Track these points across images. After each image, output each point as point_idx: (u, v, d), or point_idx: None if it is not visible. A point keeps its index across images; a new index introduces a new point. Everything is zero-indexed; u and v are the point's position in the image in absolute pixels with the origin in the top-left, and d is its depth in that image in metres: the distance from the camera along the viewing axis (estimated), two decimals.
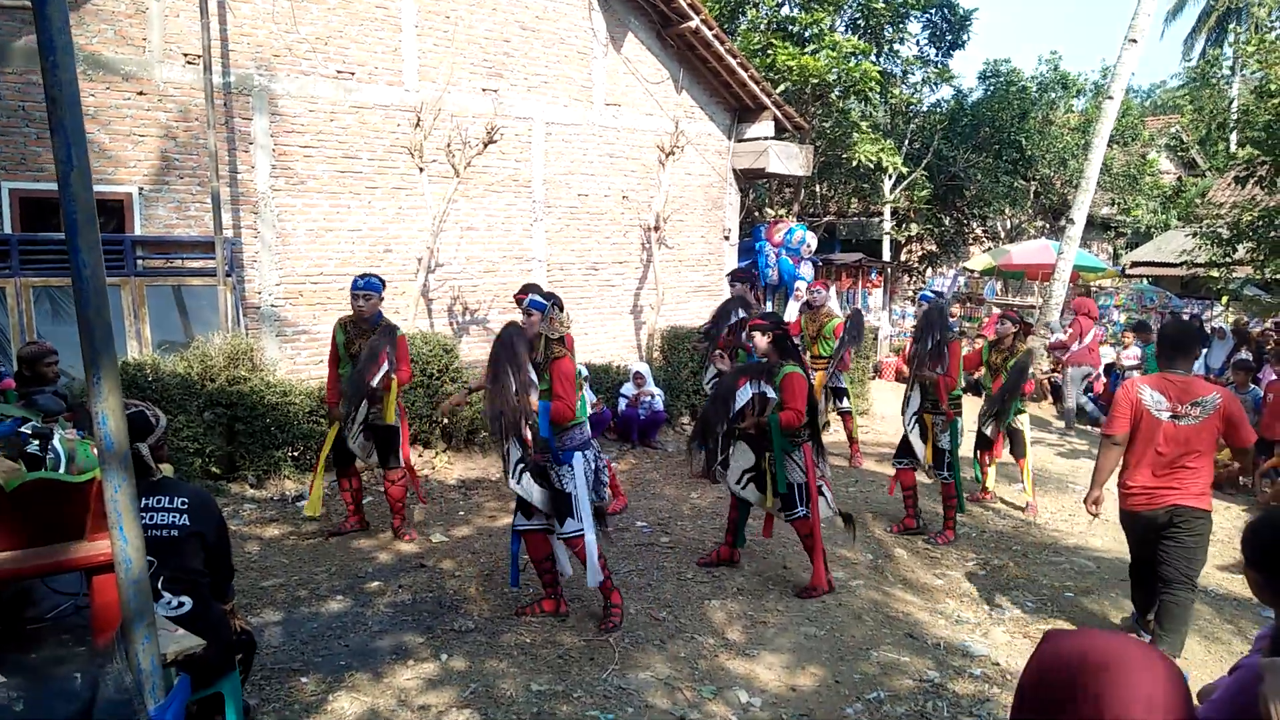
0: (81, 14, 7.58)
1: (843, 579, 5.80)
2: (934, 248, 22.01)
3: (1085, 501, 4.94)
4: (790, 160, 12.77)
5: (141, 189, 8.02)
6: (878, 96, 17.21)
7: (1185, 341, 4.67)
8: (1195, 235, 14.10)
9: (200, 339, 7.64)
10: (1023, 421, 7.71)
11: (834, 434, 9.94)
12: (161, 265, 8.08)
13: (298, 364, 8.87)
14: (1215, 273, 14.90)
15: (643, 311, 11.94)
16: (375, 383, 5.82)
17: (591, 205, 11.36)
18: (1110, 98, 12.37)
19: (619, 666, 4.42)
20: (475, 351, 9.90)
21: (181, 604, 3.04)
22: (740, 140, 12.81)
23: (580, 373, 8.72)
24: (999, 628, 5.19)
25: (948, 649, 4.84)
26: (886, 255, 19.40)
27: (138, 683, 2.02)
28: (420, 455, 8.30)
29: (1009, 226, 22.50)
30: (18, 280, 7.20)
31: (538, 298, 4.93)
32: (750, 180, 13.93)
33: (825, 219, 19.90)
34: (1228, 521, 7.42)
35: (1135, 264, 20.56)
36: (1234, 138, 22.62)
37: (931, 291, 7.40)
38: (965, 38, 18.05)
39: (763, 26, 16.18)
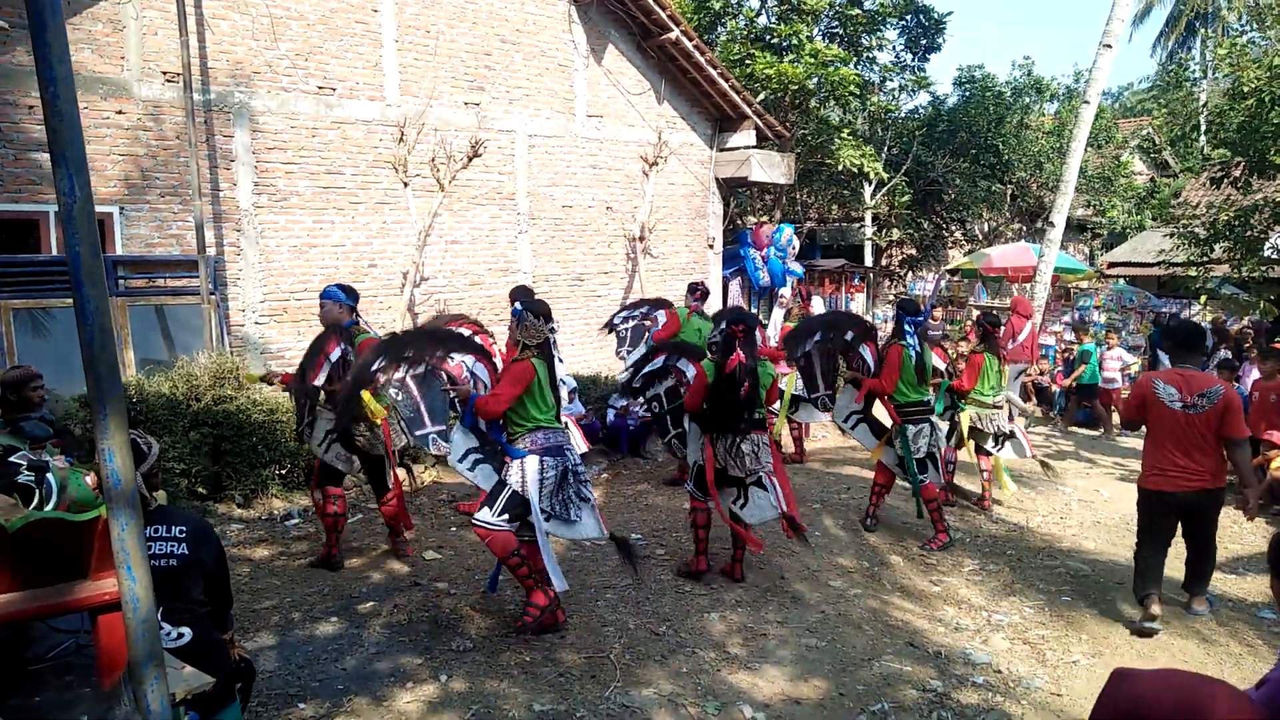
0: None
1: (840, 588, 5.79)
2: (914, 252, 22.14)
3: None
4: (772, 169, 12.82)
5: (122, 208, 7.92)
6: (857, 103, 17.31)
7: (1193, 340, 5.38)
8: (1172, 235, 14.25)
9: (185, 359, 7.55)
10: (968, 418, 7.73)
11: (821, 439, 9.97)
12: (144, 285, 8.00)
13: None
14: (1193, 272, 15.06)
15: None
16: (319, 383, 5.67)
17: (576, 217, 11.34)
18: (1087, 102, 12.49)
19: (621, 684, 4.39)
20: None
21: (181, 635, 2.99)
22: (722, 149, 12.85)
23: (567, 383, 8.73)
24: (998, 634, 5.20)
25: (949, 657, 4.85)
26: (868, 260, 19.49)
27: None
28: (408, 470, 8.23)
29: (987, 229, 22.67)
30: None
31: (517, 305, 5.05)
32: (733, 188, 13.96)
33: (806, 225, 19.97)
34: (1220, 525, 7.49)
35: (1112, 265, 20.76)
36: (1203, 139, 22.94)
37: (905, 298, 7.50)
38: (940, 41, 18.21)
39: (741, 37, 16.24)
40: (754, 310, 14.24)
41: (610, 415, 9.56)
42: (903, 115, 20.37)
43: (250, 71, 8.54)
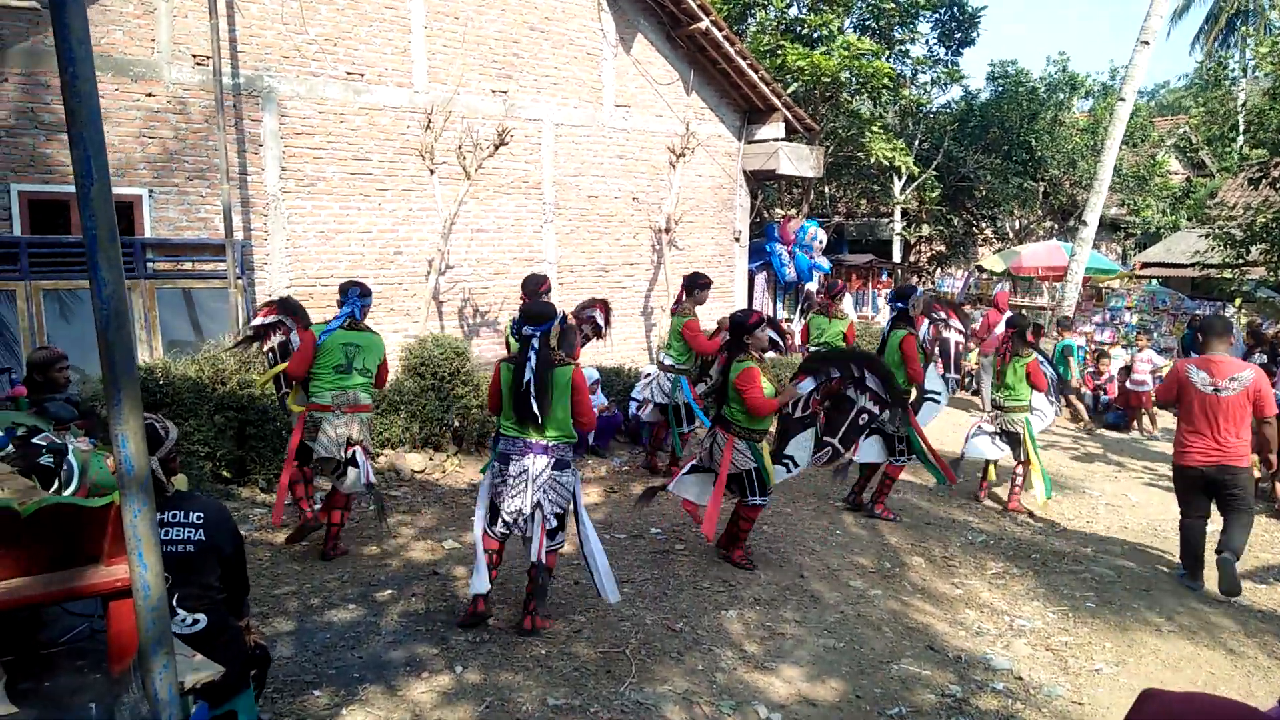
0: (91, 13, 7.53)
1: (860, 588, 5.73)
2: (943, 248, 21.92)
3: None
4: (801, 162, 12.70)
5: (151, 191, 7.97)
6: (889, 96, 17.13)
7: (1221, 330, 5.92)
8: (1208, 236, 14.00)
9: (211, 342, 7.59)
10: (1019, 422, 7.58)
11: None
12: (171, 268, 8.04)
13: None
14: (1228, 274, 14.79)
15: (654, 313, 11.88)
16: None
17: (602, 207, 11.30)
18: (1123, 99, 12.29)
19: (636, 680, 4.35)
20: (486, 354, 9.84)
21: (196, 621, 2.99)
22: (750, 141, 12.74)
23: (592, 376, 8.70)
24: (1020, 640, 5.12)
25: (969, 662, 4.77)
26: (896, 256, 19.31)
27: (154, 713, 1.96)
28: (431, 458, 8.25)
29: (1018, 227, 22.40)
30: (28, 283, 7.15)
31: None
32: (760, 181, 13.87)
33: (834, 219, 19.83)
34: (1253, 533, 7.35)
35: (1146, 265, 20.44)
36: (1243, 139, 22.52)
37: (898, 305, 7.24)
38: (975, 35, 17.98)
39: (772, 28, 16.10)
40: (779, 305, 14.16)
41: (633, 408, 9.51)
42: (934, 110, 20.14)
43: (279, 56, 8.55)
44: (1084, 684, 4.63)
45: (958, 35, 17.98)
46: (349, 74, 9.02)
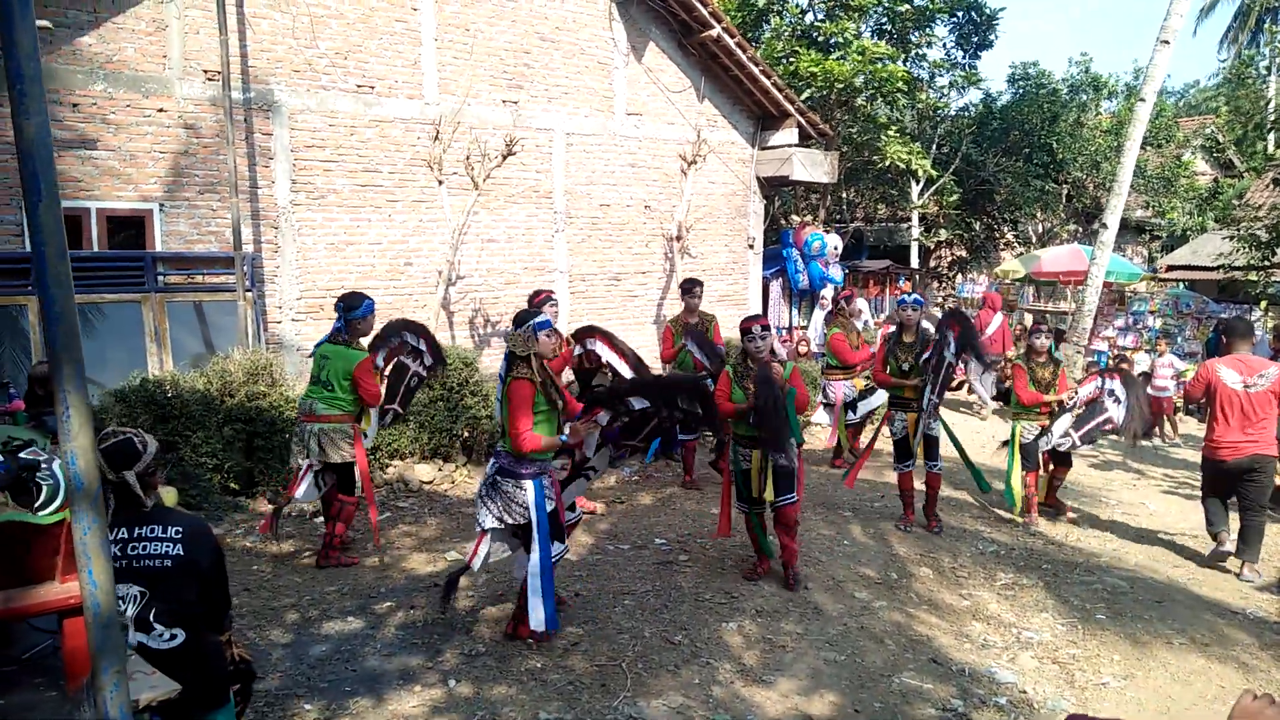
0: (103, 31, 7.64)
1: (864, 599, 5.65)
2: (964, 253, 21.71)
3: None
4: (815, 167, 12.64)
5: (162, 205, 8.05)
6: (905, 100, 17.01)
7: (1245, 331, 6.54)
8: (1233, 238, 13.76)
9: (220, 355, 7.65)
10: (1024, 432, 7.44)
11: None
12: (182, 281, 8.11)
13: None
14: (1254, 276, 14.53)
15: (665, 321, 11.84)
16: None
17: (613, 215, 11.29)
18: (1143, 99, 12.11)
19: (630, 694, 4.30)
20: (496, 364, 9.82)
21: (174, 636, 2.97)
22: (764, 148, 12.69)
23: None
24: (1027, 653, 5.02)
25: (973, 675, 4.69)
26: (915, 261, 19.15)
27: None
28: (440, 469, 8.26)
29: (1040, 230, 22.15)
30: (39, 298, 7.23)
31: (547, 319, 4.84)
32: (775, 188, 13.80)
33: (852, 225, 19.70)
34: (1271, 539, 7.20)
35: (1171, 267, 20.14)
36: (1271, 138, 22.14)
37: (915, 299, 7.26)
38: (993, 38, 17.82)
39: (786, 34, 16.04)
40: (794, 312, 14.08)
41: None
42: (953, 113, 19.98)
43: (290, 70, 8.63)
44: (1090, 698, 4.53)
45: (975, 38, 17.83)
46: (359, 87, 9.09)
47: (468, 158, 9.13)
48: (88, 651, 2.04)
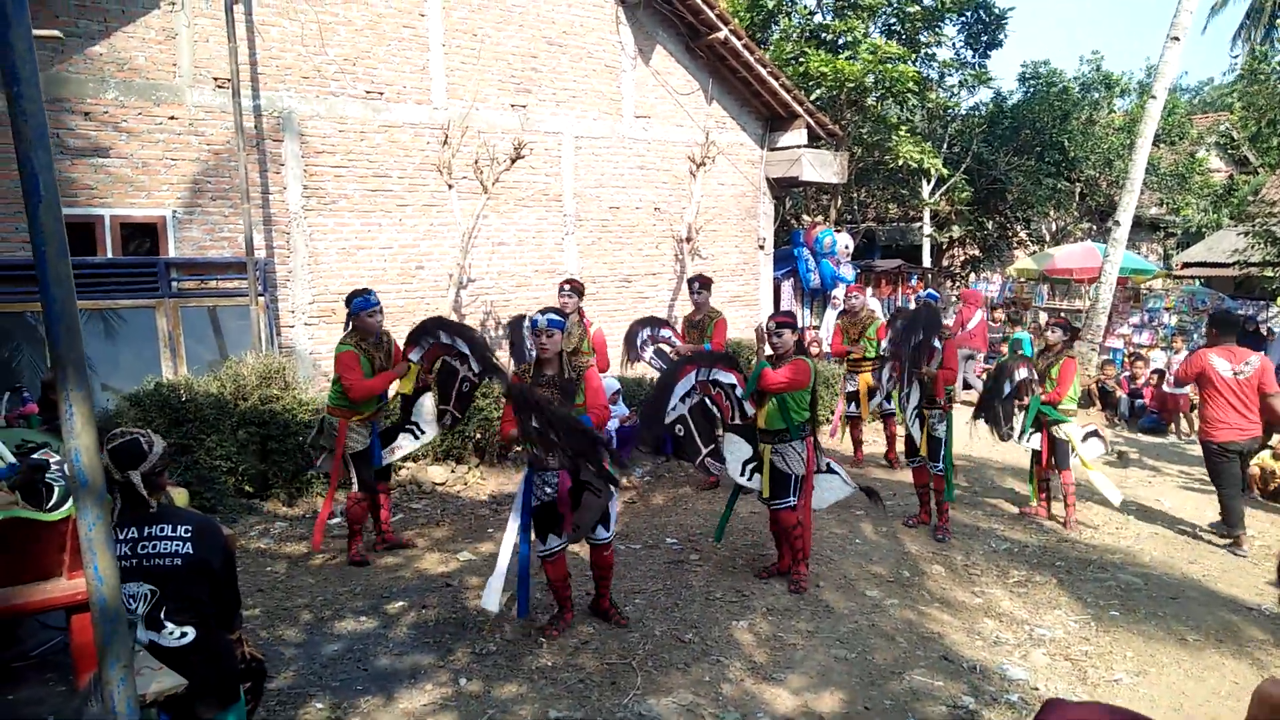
0: (114, 40, 7.72)
1: (876, 597, 5.63)
2: (977, 252, 21.62)
3: None
4: (824, 168, 12.62)
5: (175, 212, 8.12)
6: (916, 100, 16.97)
7: (1230, 322, 7.11)
8: (1248, 234, 13.65)
9: (233, 359, 7.71)
10: (1066, 431, 7.39)
11: (873, 444, 9.75)
12: (195, 287, 8.18)
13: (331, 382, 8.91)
14: (1270, 272, 14.40)
15: (677, 323, 11.82)
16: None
17: (623, 218, 11.31)
18: (1154, 97, 12.05)
19: (640, 692, 4.31)
20: (508, 365, 9.86)
21: (185, 634, 3.00)
22: (773, 149, 12.69)
23: (613, 386, 8.68)
24: (1039, 649, 4.99)
25: (984, 673, 4.66)
26: (927, 260, 19.08)
27: None
28: (453, 471, 8.29)
29: (1054, 229, 22.03)
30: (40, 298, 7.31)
31: (555, 316, 4.85)
32: (785, 189, 13.79)
33: (864, 225, 19.66)
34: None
35: (1187, 265, 19.99)
36: None
37: (929, 294, 7.47)
38: (1002, 37, 17.76)
39: (795, 35, 16.04)
40: (806, 311, 14.05)
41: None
42: (963, 112, 19.92)
43: (299, 77, 8.69)
44: (1102, 695, 4.50)
45: (984, 38, 17.77)
46: (368, 93, 9.14)
47: (477, 162, 9.18)
48: (95, 646, 2.07)
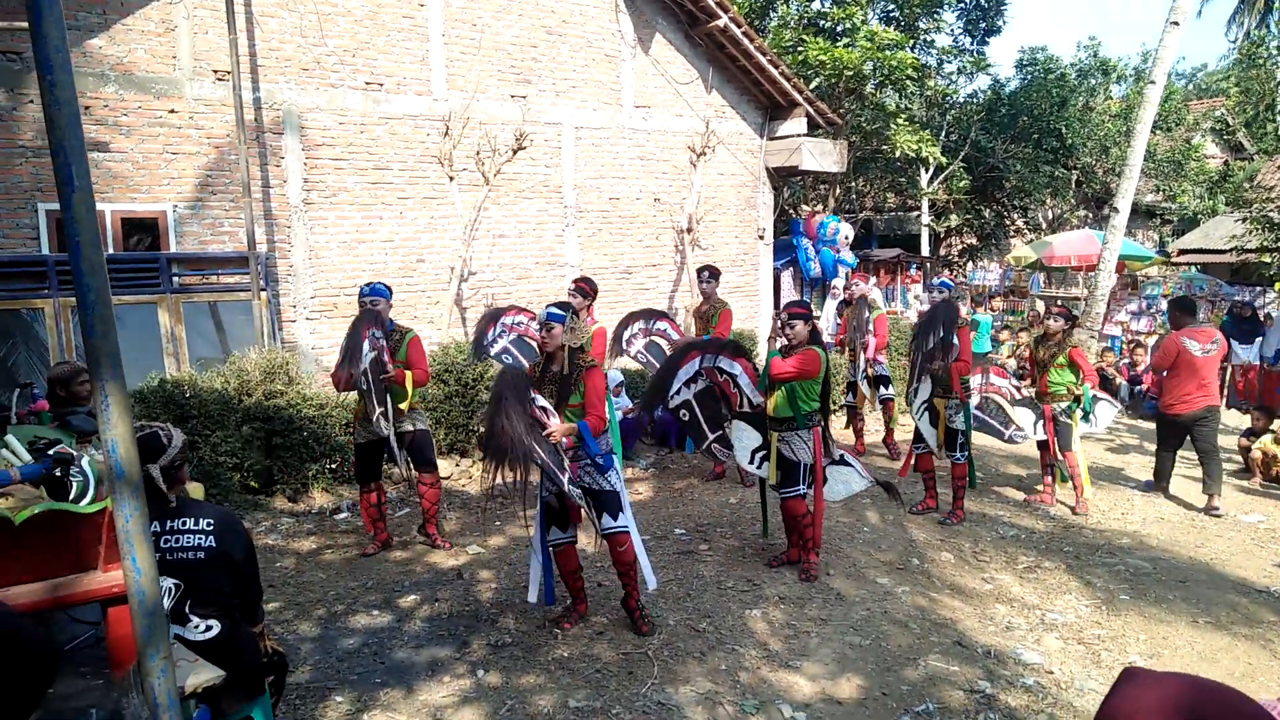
0: (113, 33, 7.66)
1: (887, 585, 5.64)
2: (975, 241, 21.64)
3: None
4: (824, 157, 12.60)
5: (175, 206, 8.08)
6: (914, 87, 16.96)
7: (1190, 305, 7.83)
8: (1245, 220, 13.68)
9: (236, 354, 7.67)
10: (1072, 415, 7.41)
11: (875, 433, 9.76)
12: (197, 282, 8.14)
13: None
14: (1267, 258, 14.44)
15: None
16: (364, 367, 5.70)
17: (623, 209, 11.28)
18: (1152, 82, 12.05)
19: (658, 681, 4.32)
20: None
21: (210, 627, 2.99)
22: (773, 138, 12.66)
23: (616, 379, 8.67)
24: (1051, 634, 5.01)
25: (998, 657, 4.68)
26: (925, 249, 19.09)
27: (154, 718, 1.96)
28: (457, 464, 8.28)
29: (1051, 217, 22.06)
30: (56, 300, 7.28)
31: (555, 309, 4.82)
32: (784, 178, 13.77)
33: (862, 214, 19.65)
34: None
35: (1183, 251, 20.04)
36: None
37: (941, 282, 7.51)
38: (1001, 23, 17.76)
39: (794, 23, 16.00)
40: (807, 300, 14.05)
41: (658, 410, 9.46)
42: (961, 100, 19.91)
43: (299, 69, 8.64)
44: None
45: (983, 24, 17.76)
46: (368, 84, 9.09)
47: (478, 153, 9.14)
48: (132, 639, 2.06)
